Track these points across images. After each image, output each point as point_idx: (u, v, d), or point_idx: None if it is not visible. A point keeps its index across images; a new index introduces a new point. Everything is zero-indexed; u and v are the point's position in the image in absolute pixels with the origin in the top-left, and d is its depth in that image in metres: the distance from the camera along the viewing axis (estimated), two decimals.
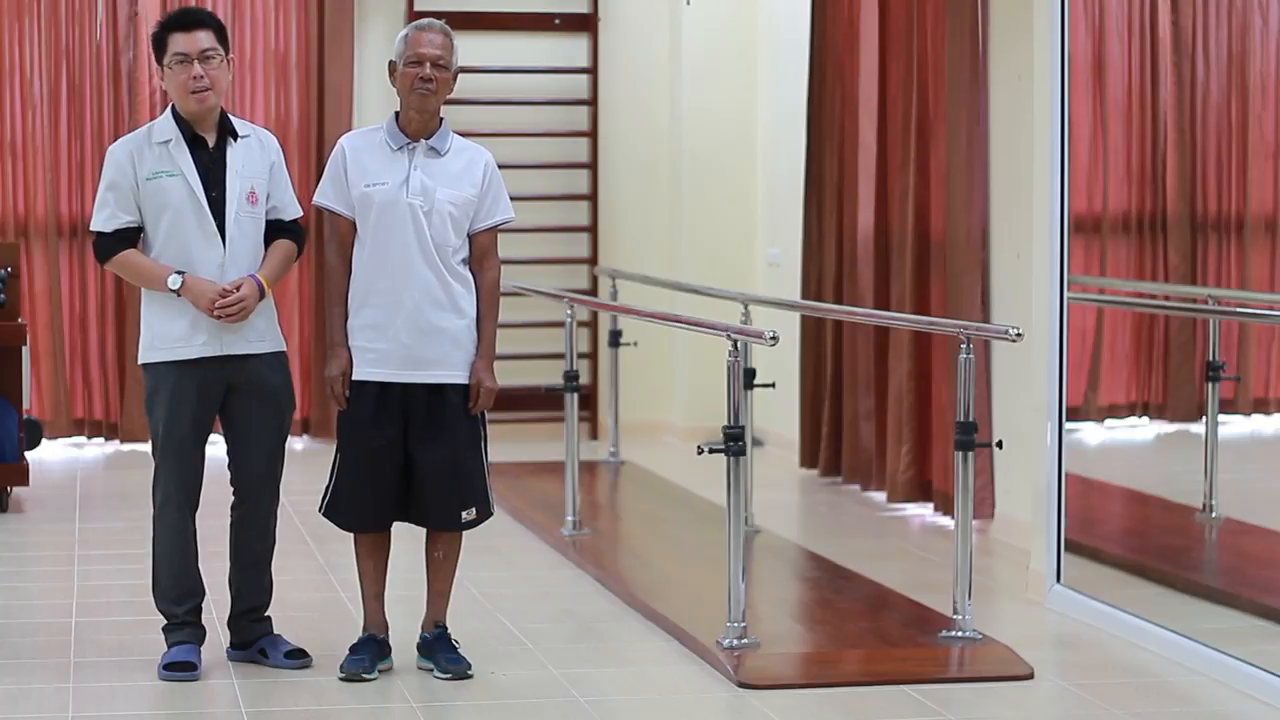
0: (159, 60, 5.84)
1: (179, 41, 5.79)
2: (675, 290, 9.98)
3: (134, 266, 5.84)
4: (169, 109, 5.90)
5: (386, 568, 5.94)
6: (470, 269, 5.83)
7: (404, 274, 5.73)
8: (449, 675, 5.83)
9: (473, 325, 5.81)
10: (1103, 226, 7.38)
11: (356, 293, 5.78)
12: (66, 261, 10.73)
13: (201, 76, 5.78)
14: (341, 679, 5.79)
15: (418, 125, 5.80)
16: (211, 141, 5.86)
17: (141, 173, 5.80)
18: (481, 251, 5.85)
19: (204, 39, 5.80)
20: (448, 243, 5.77)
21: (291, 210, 6.00)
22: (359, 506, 5.83)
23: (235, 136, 5.89)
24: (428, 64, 5.74)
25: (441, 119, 5.84)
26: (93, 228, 5.87)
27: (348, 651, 5.87)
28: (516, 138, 11.18)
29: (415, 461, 5.79)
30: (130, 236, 5.83)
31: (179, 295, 5.76)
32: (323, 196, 5.82)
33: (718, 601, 6.20)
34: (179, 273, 5.76)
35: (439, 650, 5.88)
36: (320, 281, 10.91)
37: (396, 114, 5.84)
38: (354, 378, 5.77)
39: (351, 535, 5.95)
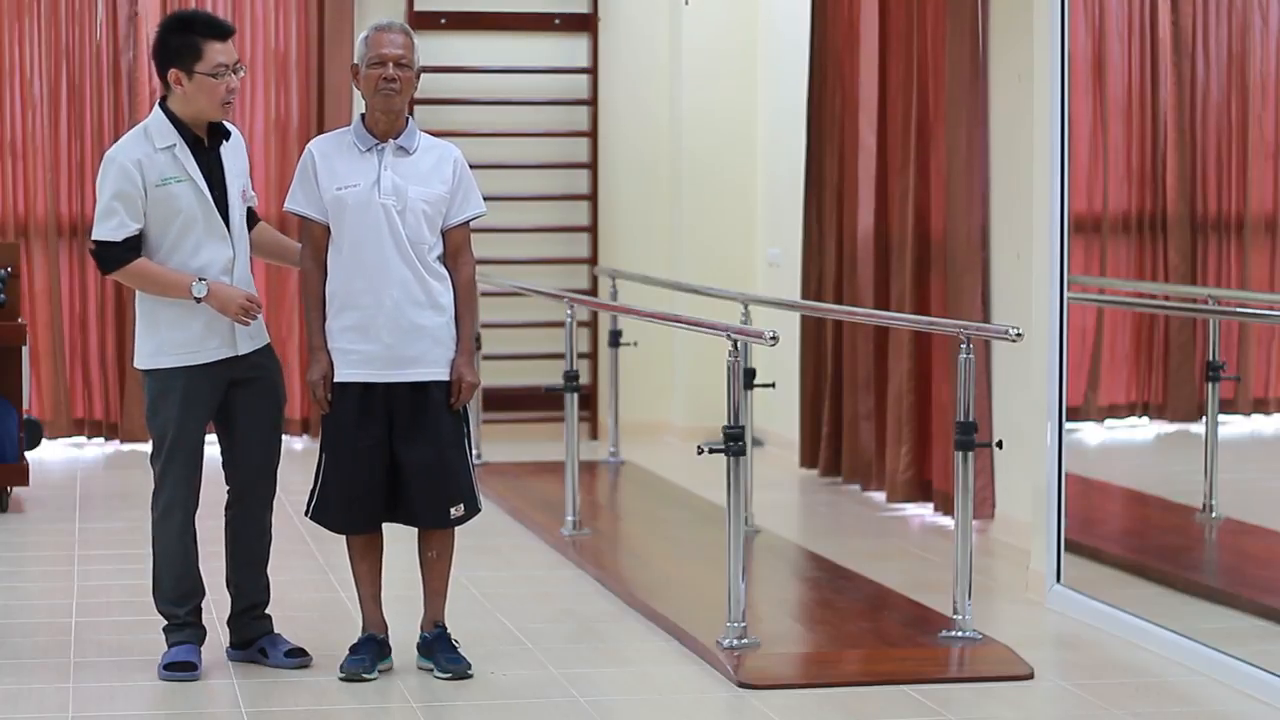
0: (183, 64, 5.75)
1: (220, 51, 5.76)
2: (675, 290, 9.98)
3: (150, 275, 5.78)
4: (159, 109, 5.85)
5: (381, 567, 5.94)
6: (445, 265, 5.84)
7: (382, 274, 5.74)
8: (449, 675, 5.83)
9: (451, 321, 5.82)
10: (1103, 226, 7.38)
11: (335, 295, 5.77)
12: (66, 261, 10.73)
13: (235, 88, 5.79)
14: (341, 679, 5.79)
15: (385, 125, 5.81)
16: (206, 142, 5.85)
17: (150, 179, 5.75)
18: (455, 247, 5.87)
19: (233, 48, 5.82)
20: (423, 240, 5.78)
21: (255, 197, 6.09)
22: (347, 508, 5.83)
23: (227, 136, 5.89)
24: (390, 64, 5.77)
25: (408, 118, 5.87)
26: (98, 237, 5.77)
27: (348, 651, 5.87)
28: (516, 138, 11.18)
29: (401, 460, 5.78)
30: (137, 245, 5.79)
31: (200, 301, 5.75)
32: (294, 203, 5.80)
33: (718, 601, 6.20)
34: (202, 279, 5.75)
35: (439, 650, 5.88)
36: None
37: (362, 116, 5.85)
38: (336, 380, 5.77)
39: (344, 537, 5.95)
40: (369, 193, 5.74)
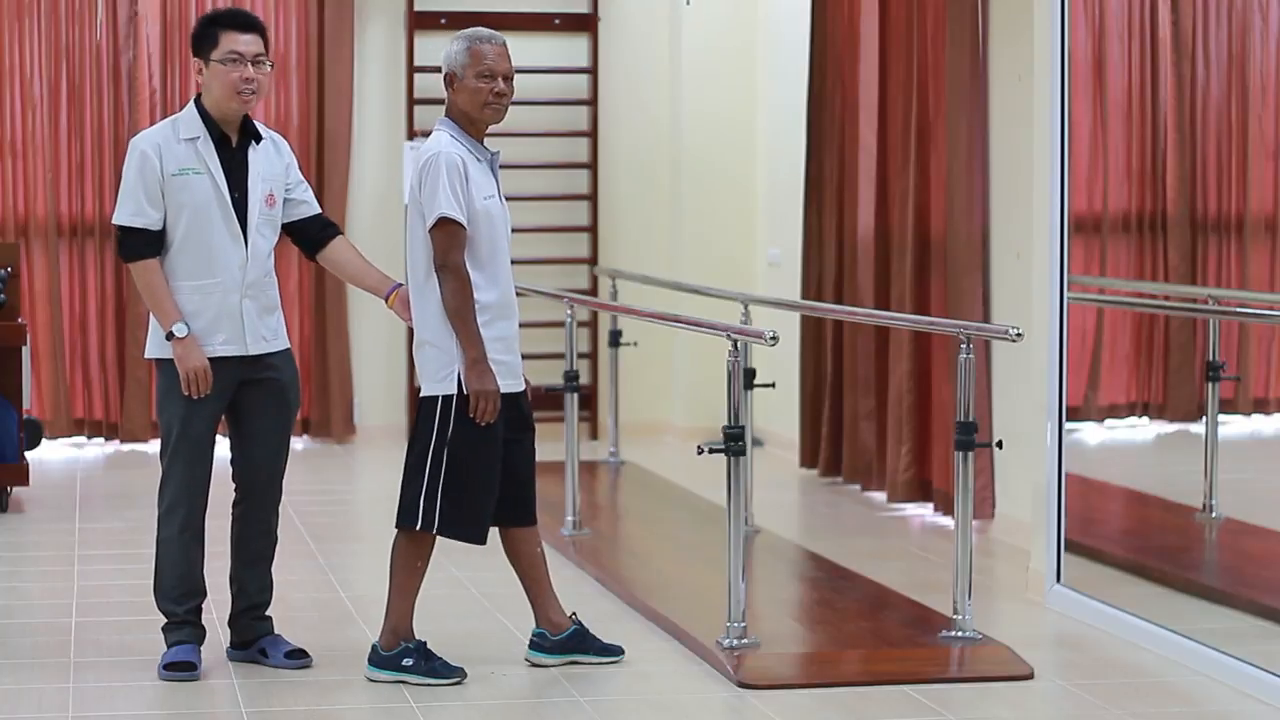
0: (201, 53, 5.81)
1: (234, 40, 5.79)
2: (675, 290, 9.98)
3: (151, 286, 5.80)
4: (192, 103, 5.88)
5: None
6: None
7: (510, 286, 5.84)
8: (619, 657, 6.03)
9: None
10: (1103, 226, 7.38)
11: (487, 307, 5.76)
12: (66, 261, 10.73)
13: (252, 79, 5.79)
14: (456, 682, 5.76)
15: (483, 137, 5.86)
16: (234, 141, 5.86)
17: (167, 168, 5.78)
18: None
19: (256, 42, 5.83)
20: None
21: (316, 204, 6.07)
22: (485, 517, 5.87)
23: (258, 139, 5.89)
24: (500, 78, 5.78)
25: None
26: (116, 220, 5.83)
27: (417, 660, 5.77)
28: (516, 138, 11.17)
29: (514, 463, 5.91)
30: (157, 243, 5.80)
31: (169, 338, 5.75)
32: (452, 210, 5.68)
33: (718, 601, 6.20)
34: (186, 325, 5.75)
35: (590, 638, 6.03)
36: (322, 282, 10.91)
37: (455, 122, 5.80)
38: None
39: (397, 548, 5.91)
40: (501, 205, 5.83)
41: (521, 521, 6.01)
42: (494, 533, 6.01)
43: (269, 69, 5.87)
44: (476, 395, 5.69)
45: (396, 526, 5.85)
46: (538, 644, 6.02)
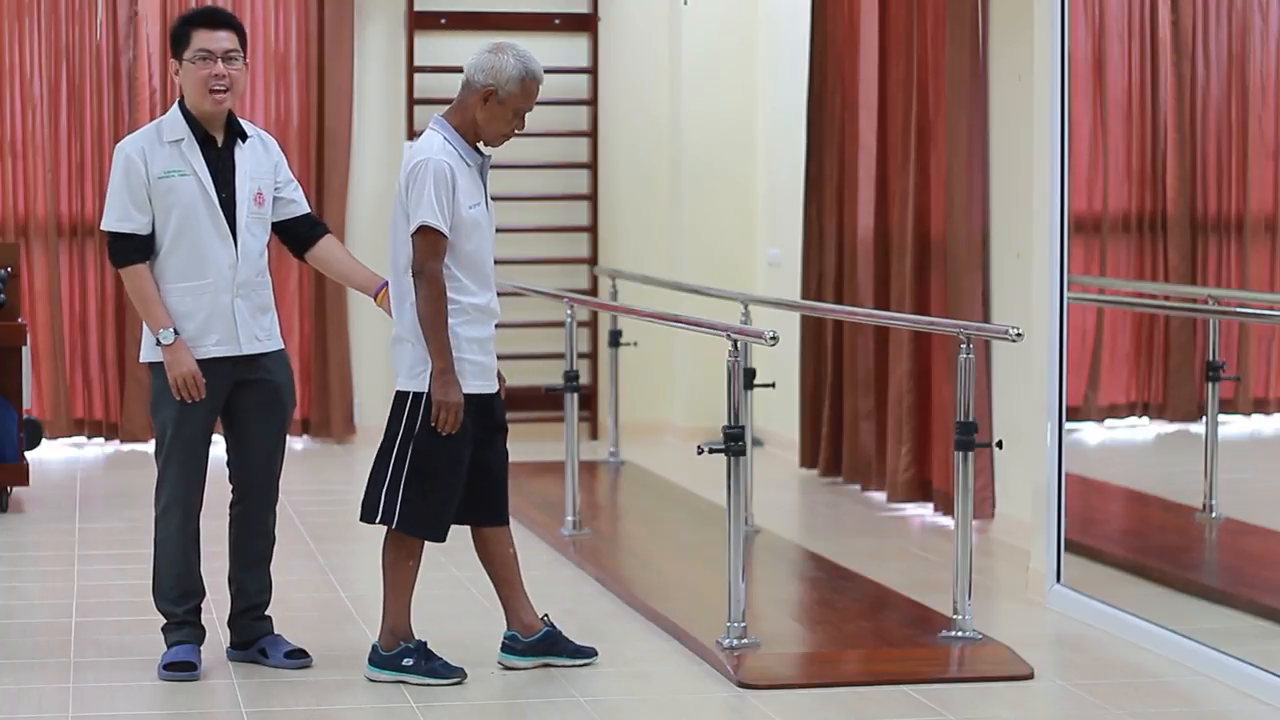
0: (176, 54, 5.82)
1: (203, 38, 5.79)
2: (675, 290, 9.98)
3: (141, 291, 5.80)
4: (176, 106, 5.88)
5: None
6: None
7: (492, 289, 5.84)
8: (591, 659, 5.99)
9: None
10: (1103, 226, 7.38)
11: (467, 309, 5.76)
12: (66, 261, 10.73)
13: (223, 76, 5.78)
14: (457, 682, 5.77)
15: (482, 147, 5.87)
16: (220, 141, 5.86)
17: (153, 171, 5.78)
18: None
19: (228, 39, 5.81)
20: None
21: (306, 203, 6.06)
22: (448, 517, 5.85)
23: (244, 138, 5.89)
24: (524, 116, 5.87)
25: None
26: (103, 226, 5.84)
27: (416, 659, 5.77)
28: (517, 137, 11.12)
29: (488, 464, 5.88)
30: (146, 248, 5.80)
31: (158, 344, 5.75)
32: (435, 219, 5.67)
33: (718, 601, 6.20)
34: (175, 332, 5.75)
35: (561, 640, 5.99)
36: (322, 282, 10.91)
37: (454, 127, 5.82)
38: (465, 391, 5.75)
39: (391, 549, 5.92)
40: (487, 212, 5.84)
41: (493, 521, 5.97)
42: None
43: (241, 66, 5.85)
44: (439, 406, 5.68)
45: (360, 520, 5.86)
46: (509, 646, 6.00)
